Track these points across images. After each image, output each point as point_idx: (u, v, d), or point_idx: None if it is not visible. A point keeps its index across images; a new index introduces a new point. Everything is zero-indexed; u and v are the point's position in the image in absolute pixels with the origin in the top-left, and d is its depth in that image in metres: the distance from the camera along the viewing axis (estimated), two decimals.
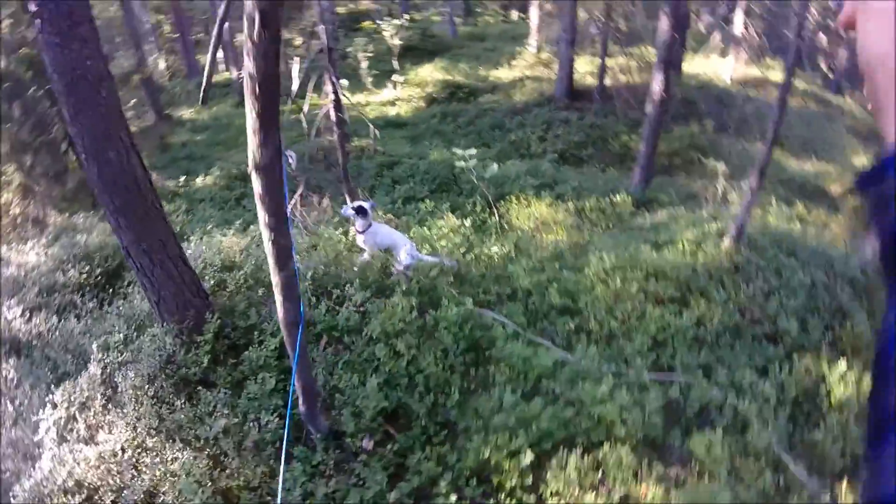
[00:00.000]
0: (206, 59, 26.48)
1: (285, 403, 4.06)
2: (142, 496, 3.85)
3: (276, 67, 2.38)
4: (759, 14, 18.11)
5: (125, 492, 3.86)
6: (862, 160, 14.78)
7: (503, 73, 18.99)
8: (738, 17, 18.19)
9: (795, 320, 5.46)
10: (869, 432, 0.56)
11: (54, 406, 4.54)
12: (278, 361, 4.56)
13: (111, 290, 7.04)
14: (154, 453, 4.14)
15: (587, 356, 4.80)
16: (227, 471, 3.97)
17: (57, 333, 6.39)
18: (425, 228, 7.55)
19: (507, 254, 6.76)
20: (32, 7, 3.68)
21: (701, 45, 20.88)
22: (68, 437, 4.39)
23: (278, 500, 3.44)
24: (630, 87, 14.76)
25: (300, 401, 3.92)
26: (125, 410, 4.39)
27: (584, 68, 17.03)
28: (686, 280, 5.89)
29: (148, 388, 4.49)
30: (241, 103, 15.25)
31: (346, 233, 6.53)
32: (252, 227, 8.04)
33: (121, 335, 5.14)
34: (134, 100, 17.32)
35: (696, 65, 18.89)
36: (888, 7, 0.65)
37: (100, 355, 4.90)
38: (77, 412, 4.51)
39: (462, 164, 8.13)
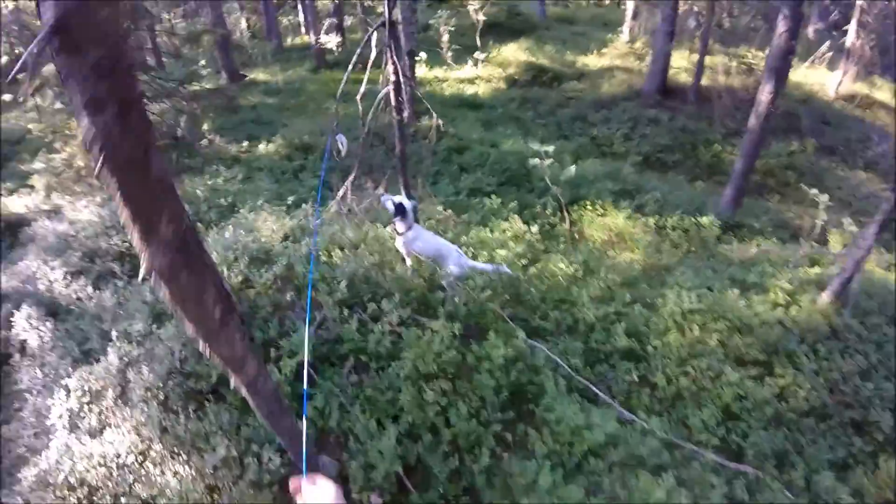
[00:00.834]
0: (286, 21, 26.40)
1: None
2: None
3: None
4: (873, 27, 16.33)
5: (123, 498, 3.68)
6: None
7: (591, 61, 17.88)
8: (851, 28, 16.43)
9: (890, 413, 4.50)
10: None
11: (68, 392, 4.38)
12: (291, 387, 4.00)
13: None
14: (155, 464, 3.87)
15: (648, 429, 3.97)
16: None
17: (91, 303, 6.17)
18: (487, 231, 6.84)
19: (574, 273, 5.98)
20: None
21: (807, 52, 19.12)
22: (79, 425, 4.20)
23: None
24: (730, 90, 13.48)
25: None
26: (133, 412, 4.16)
27: (679, 64, 15.76)
28: (774, 340, 4.95)
29: (158, 392, 4.21)
30: (317, 68, 14.73)
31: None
32: (304, 205, 7.55)
33: (140, 326, 4.87)
34: (202, 61, 17.19)
35: (799, 73, 17.25)
36: None
37: (119, 344, 4.67)
38: (89, 403, 4.33)
39: (536, 161, 7.31)
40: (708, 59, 14.55)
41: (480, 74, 16.72)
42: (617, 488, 3.48)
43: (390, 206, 5.27)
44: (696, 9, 16.30)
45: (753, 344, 4.87)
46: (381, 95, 5.82)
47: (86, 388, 4.37)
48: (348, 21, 18.62)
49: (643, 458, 3.67)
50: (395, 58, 5.45)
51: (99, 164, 1.59)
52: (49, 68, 11.00)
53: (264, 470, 3.58)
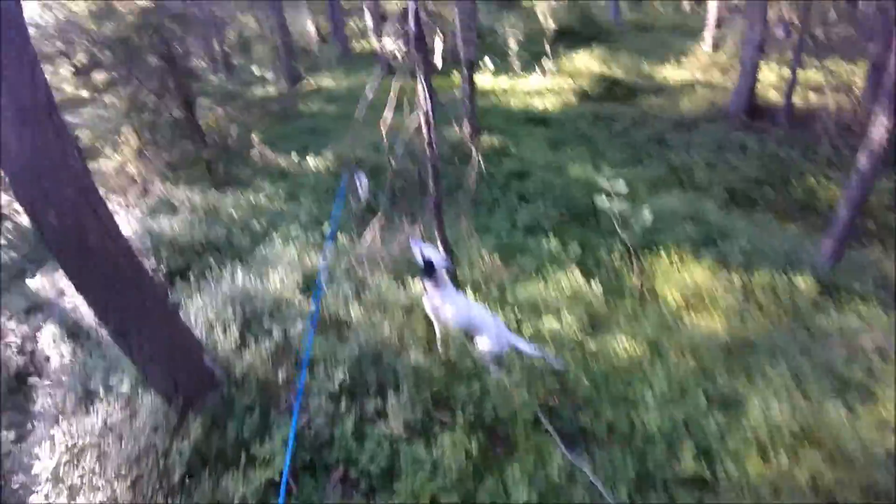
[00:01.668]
0: (353, 25, 25.93)
1: None
2: None
3: None
4: None
5: None
6: None
7: (670, 73, 16.62)
8: None
9: None
10: None
11: (53, 445, 4.12)
12: None
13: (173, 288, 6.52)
14: None
15: None
16: None
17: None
18: (540, 284, 5.96)
19: (640, 355, 5.04)
20: None
21: None
22: (62, 481, 3.90)
23: None
24: (826, 112, 12.05)
25: None
26: (105, 484, 3.80)
27: (768, 79, 14.33)
28: (885, 488, 3.75)
29: (132, 468, 3.84)
30: (384, 76, 14.04)
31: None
32: (340, 238, 6.87)
33: (126, 386, 4.47)
34: (254, 67, 16.89)
35: None
36: None
37: (105, 401, 4.41)
38: (69, 462, 4.02)
39: (606, 204, 6.36)
40: (801, 74, 13.12)
41: (549, 85, 15.71)
42: None
43: (418, 258, 4.49)
44: (790, 16, 14.77)
45: (853, 486, 3.75)
46: (411, 127, 5.04)
47: (69, 445, 4.06)
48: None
49: None
50: (424, 83, 4.65)
51: None
52: (100, 76, 10.79)
53: None
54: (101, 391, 4.59)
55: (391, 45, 17.19)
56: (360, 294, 5.39)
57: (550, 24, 16.96)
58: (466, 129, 11.37)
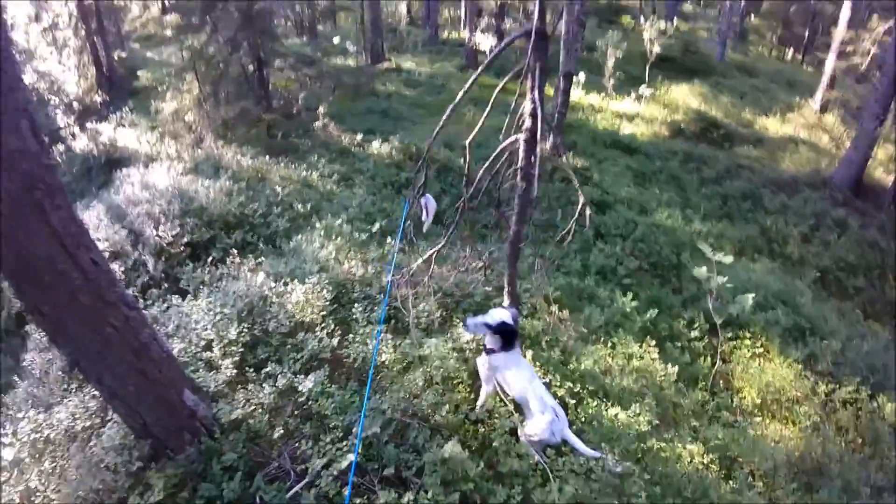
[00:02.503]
0: (447, 13, 25.17)
1: None
2: None
3: None
4: None
5: None
6: None
7: (772, 125, 15.39)
8: None
9: None
10: None
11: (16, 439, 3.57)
12: None
13: (190, 265, 5.71)
14: None
15: None
16: None
17: None
18: (606, 349, 5.12)
19: (710, 463, 4.30)
20: None
21: None
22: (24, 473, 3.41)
23: None
24: None
25: None
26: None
27: (877, 154, 12.97)
28: None
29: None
30: (466, 67, 13.20)
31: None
32: (389, 240, 6.09)
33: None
34: (336, 38, 16.39)
35: None
36: None
37: (75, 401, 3.76)
38: (34, 453, 3.53)
39: (704, 275, 5.46)
40: None
41: (642, 112, 14.66)
42: None
43: (480, 326, 3.70)
44: None
45: None
46: (503, 146, 4.17)
47: (34, 436, 3.57)
48: (507, 24, 17.01)
49: None
50: (536, 91, 3.77)
51: None
52: (174, 18, 10.25)
53: None
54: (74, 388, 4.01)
55: (484, 39, 16.32)
56: (398, 335, 4.62)
57: (655, 49, 15.82)
58: (549, 143, 10.47)
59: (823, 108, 16.69)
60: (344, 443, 3.35)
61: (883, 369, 6.38)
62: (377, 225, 6.62)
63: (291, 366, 4.01)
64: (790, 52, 26.29)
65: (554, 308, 5.44)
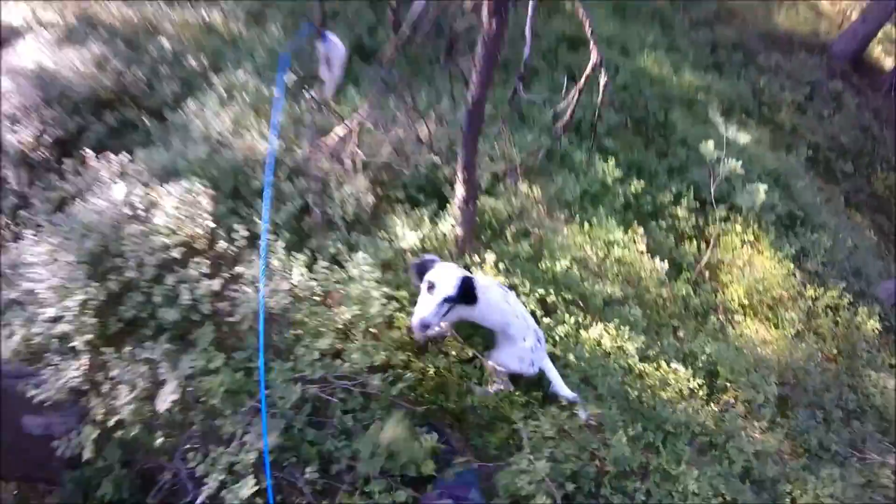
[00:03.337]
0: None
1: None
2: None
3: None
4: None
5: None
6: None
7: None
8: None
9: None
10: None
11: None
12: None
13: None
14: None
15: None
16: None
17: None
18: (583, 234, 4.16)
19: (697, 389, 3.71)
20: None
21: None
22: None
23: None
24: None
25: None
26: None
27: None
28: None
29: None
30: None
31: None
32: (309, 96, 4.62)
33: None
34: None
35: None
36: None
37: None
38: None
39: (712, 154, 4.44)
40: None
41: None
42: None
43: (440, 307, 2.73)
44: None
45: None
46: None
47: None
48: None
49: None
50: None
51: None
52: None
53: None
54: None
55: None
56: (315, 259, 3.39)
57: None
58: None
59: None
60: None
61: (866, 277, 5.88)
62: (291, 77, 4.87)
63: (158, 336, 2.78)
64: None
65: (524, 186, 4.27)
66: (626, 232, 4.43)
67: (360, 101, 4.57)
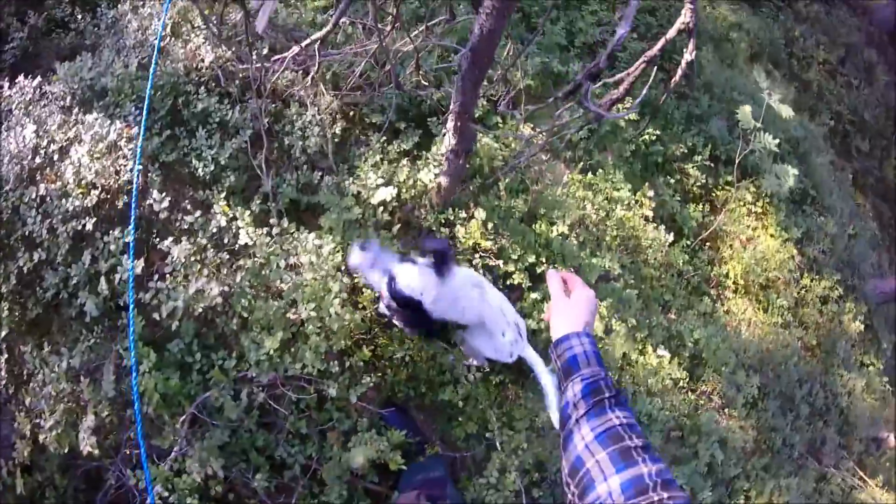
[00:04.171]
0: None
1: None
2: None
3: None
4: None
5: None
6: None
7: None
8: None
9: None
10: None
11: None
12: None
13: None
14: None
15: None
16: None
17: None
18: (573, 195, 3.74)
19: (680, 379, 3.51)
20: None
21: None
22: None
23: None
24: None
25: None
26: None
27: None
28: None
29: None
30: None
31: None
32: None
33: None
34: None
35: None
36: None
37: None
38: None
39: (749, 123, 4.00)
40: None
41: None
42: None
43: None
44: None
45: None
46: None
47: None
48: None
49: None
50: None
51: None
52: None
53: None
54: None
55: None
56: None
57: None
58: None
59: None
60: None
61: (859, 271, 5.63)
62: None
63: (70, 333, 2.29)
64: None
65: (519, 119, 3.60)
66: (633, 192, 3.97)
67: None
